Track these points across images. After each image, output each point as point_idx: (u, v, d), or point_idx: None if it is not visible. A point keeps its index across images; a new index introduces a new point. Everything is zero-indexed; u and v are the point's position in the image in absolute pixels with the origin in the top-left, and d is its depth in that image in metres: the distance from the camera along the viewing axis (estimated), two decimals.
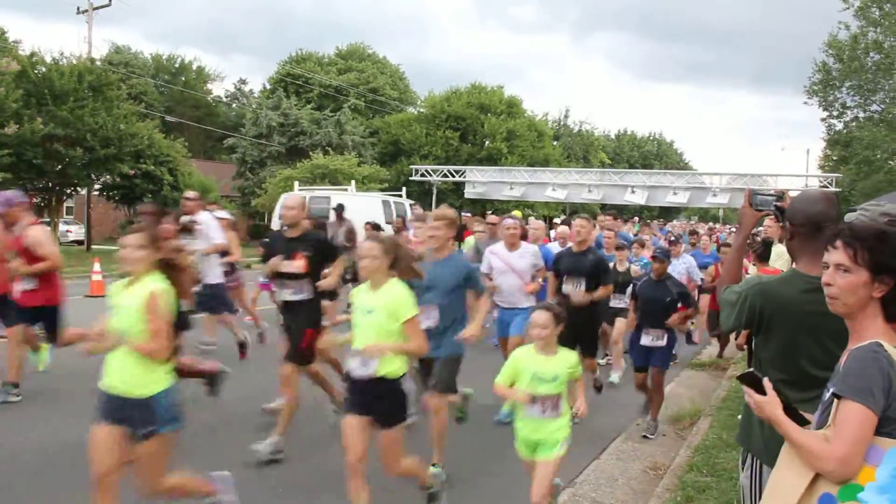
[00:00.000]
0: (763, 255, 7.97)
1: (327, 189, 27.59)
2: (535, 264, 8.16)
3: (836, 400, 2.32)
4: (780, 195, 3.23)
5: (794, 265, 3.20)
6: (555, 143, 59.43)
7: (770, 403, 2.49)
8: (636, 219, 29.12)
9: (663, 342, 7.62)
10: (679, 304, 7.66)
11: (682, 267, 11.20)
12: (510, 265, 8.02)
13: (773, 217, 3.31)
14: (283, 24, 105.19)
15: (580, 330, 7.48)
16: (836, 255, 2.44)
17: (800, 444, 2.37)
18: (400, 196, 27.34)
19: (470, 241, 12.31)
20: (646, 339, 7.64)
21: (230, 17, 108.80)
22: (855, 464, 2.23)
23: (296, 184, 27.76)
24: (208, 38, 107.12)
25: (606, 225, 12.07)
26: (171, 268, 4.47)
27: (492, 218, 13.42)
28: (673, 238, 12.81)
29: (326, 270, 6.81)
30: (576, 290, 7.89)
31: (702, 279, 12.04)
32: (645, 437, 7.60)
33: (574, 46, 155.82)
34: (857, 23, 34.23)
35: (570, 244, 9.21)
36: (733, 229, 32.76)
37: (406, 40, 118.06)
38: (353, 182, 29.40)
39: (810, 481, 2.32)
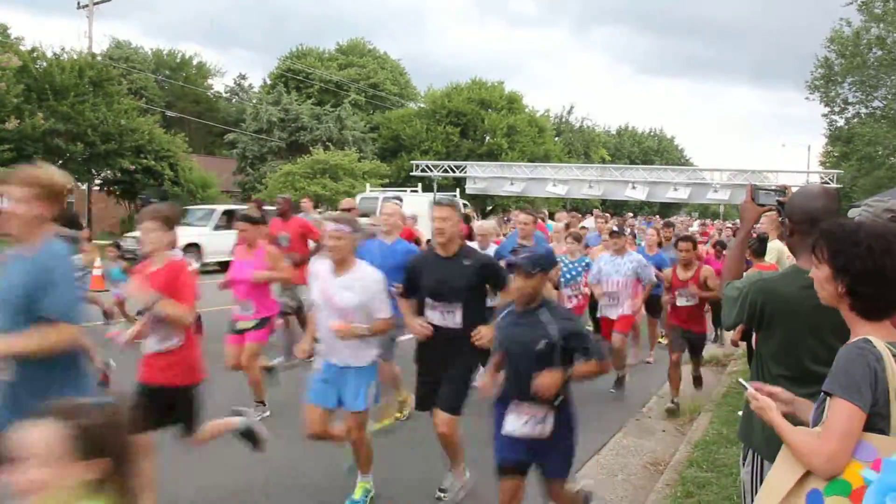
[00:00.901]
0: (758, 251, 7.96)
1: (398, 191, 29.95)
2: (364, 304, 4.98)
3: (827, 398, 2.34)
4: (783, 190, 3.23)
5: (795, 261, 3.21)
6: (556, 139, 59.40)
7: (766, 407, 2.54)
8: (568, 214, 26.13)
9: (545, 427, 4.19)
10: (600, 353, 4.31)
11: (628, 266, 9.06)
12: (328, 298, 5.06)
13: (775, 212, 3.31)
14: (281, 19, 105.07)
15: (442, 374, 5.26)
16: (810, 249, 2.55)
17: (792, 442, 2.40)
18: (455, 196, 29.71)
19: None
20: (513, 423, 4.22)
21: (229, 12, 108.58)
22: (842, 460, 2.26)
23: (367, 187, 29.01)
24: (207, 33, 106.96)
25: (520, 219, 9.34)
26: None
27: (347, 202, 11.22)
28: (616, 229, 10.50)
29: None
30: (446, 320, 5.25)
31: (660, 283, 9.87)
32: None
33: (574, 41, 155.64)
34: (860, 18, 34.19)
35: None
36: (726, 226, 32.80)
37: (405, 35, 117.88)
38: (419, 185, 31.21)
39: (800, 478, 2.35)
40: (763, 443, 3.03)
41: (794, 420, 2.53)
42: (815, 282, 2.53)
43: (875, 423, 2.28)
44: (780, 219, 3.17)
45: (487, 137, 48.58)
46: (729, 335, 10.50)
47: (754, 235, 8.19)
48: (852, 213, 3.26)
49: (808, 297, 2.92)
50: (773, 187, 3.28)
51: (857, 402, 2.26)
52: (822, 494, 2.28)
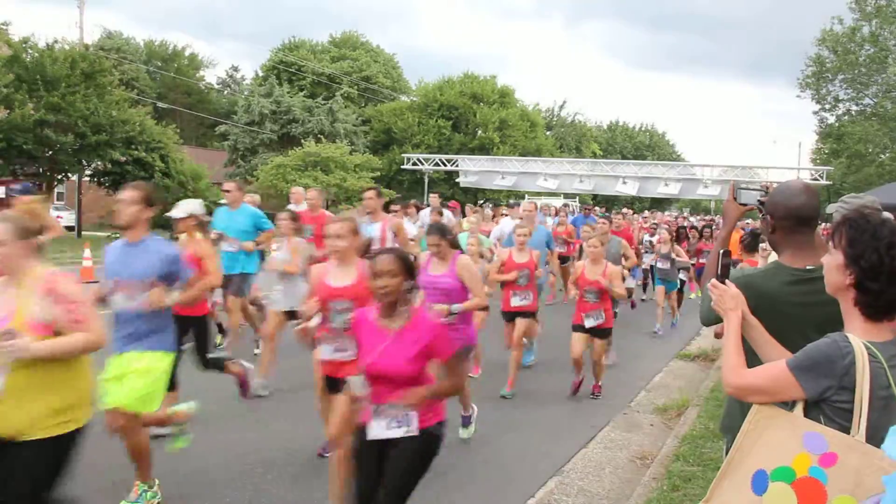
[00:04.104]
0: (750, 246, 8.01)
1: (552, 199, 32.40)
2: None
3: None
4: (765, 189, 3.23)
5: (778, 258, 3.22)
6: (548, 133, 59.42)
7: (726, 297, 2.74)
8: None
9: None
10: None
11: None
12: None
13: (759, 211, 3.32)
14: (271, 10, 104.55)
15: None
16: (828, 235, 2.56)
17: (726, 351, 2.60)
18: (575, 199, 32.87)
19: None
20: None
21: (218, 2, 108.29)
22: (744, 395, 2.52)
23: (560, 203, 30.60)
24: (196, 23, 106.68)
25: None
26: None
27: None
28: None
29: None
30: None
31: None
32: None
33: (566, 34, 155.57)
34: (852, 16, 34.33)
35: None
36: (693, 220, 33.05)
37: (396, 27, 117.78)
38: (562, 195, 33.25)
39: (745, 457, 2.42)
40: None
41: None
42: (824, 268, 2.51)
43: (832, 416, 2.33)
44: (761, 216, 3.18)
45: (479, 131, 48.57)
46: None
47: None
48: (830, 208, 3.28)
49: (790, 292, 2.94)
50: (755, 186, 3.29)
51: (800, 379, 2.34)
52: (768, 478, 2.34)
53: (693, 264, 15.20)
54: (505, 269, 8.51)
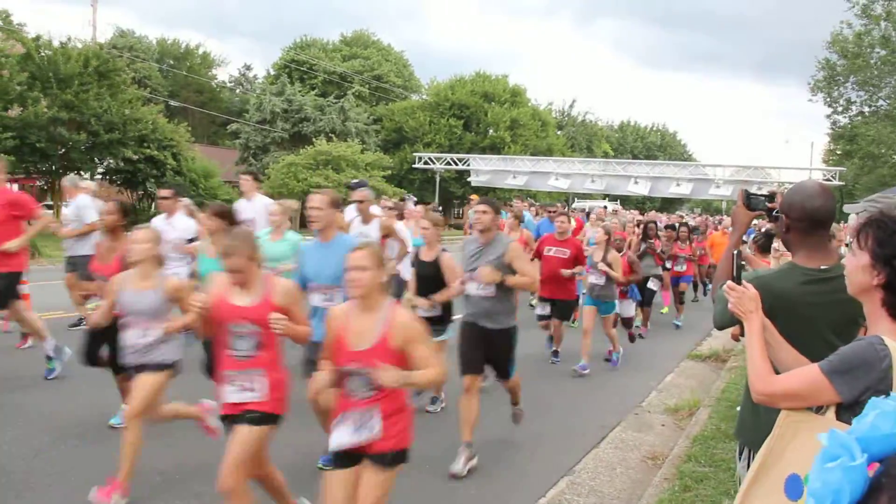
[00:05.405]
0: (764, 246, 8.00)
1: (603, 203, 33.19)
2: None
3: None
4: (772, 196, 3.21)
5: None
6: (559, 132, 59.36)
7: (745, 299, 2.69)
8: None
9: None
10: None
11: None
12: None
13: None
14: (282, 9, 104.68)
15: None
16: (852, 236, 2.51)
17: (751, 356, 2.55)
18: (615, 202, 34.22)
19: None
20: None
21: (230, 0, 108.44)
22: (775, 403, 2.47)
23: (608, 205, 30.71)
24: (208, 22, 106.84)
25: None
26: None
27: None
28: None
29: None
30: None
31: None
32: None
33: (576, 33, 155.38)
34: (860, 22, 34.17)
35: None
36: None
37: (407, 25, 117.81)
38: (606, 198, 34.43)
39: (777, 462, 2.39)
40: (759, 441, 3.05)
41: None
42: (847, 269, 2.47)
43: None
44: (768, 219, 3.16)
45: (490, 130, 48.57)
46: None
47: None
48: (849, 208, 3.27)
49: (805, 292, 2.93)
50: (764, 193, 3.28)
51: (834, 383, 2.29)
52: (803, 483, 2.30)
53: (667, 269, 13.25)
54: None
